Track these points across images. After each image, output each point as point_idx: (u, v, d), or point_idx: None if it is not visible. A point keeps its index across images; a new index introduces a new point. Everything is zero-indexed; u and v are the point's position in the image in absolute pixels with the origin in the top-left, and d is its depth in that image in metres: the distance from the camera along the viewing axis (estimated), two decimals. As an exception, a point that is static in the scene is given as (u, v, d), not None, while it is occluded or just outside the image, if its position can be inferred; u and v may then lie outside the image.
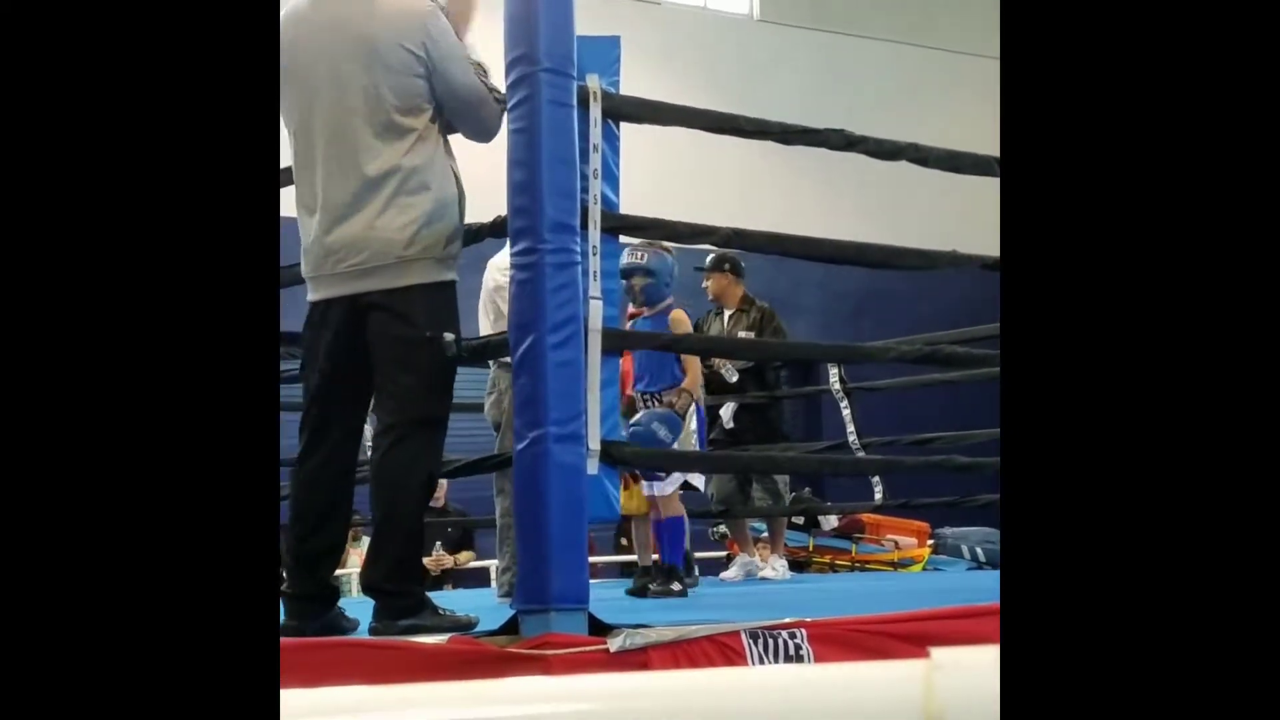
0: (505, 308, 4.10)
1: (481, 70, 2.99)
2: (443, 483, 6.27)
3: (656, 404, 4.53)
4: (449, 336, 2.86)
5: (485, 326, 4.45)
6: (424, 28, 2.87)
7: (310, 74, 2.86)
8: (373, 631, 2.81)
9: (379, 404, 2.94)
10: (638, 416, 4.25)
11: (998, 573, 1.28)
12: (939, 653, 1.02)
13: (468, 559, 8.03)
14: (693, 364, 4.67)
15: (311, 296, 2.97)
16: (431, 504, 3.36)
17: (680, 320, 4.66)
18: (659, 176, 8.77)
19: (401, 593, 2.84)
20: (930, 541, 8.53)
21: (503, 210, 2.86)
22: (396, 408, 2.87)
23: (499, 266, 4.32)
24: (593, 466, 2.72)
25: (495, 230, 3.06)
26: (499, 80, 2.90)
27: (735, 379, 5.74)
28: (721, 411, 5.84)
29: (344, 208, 2.85)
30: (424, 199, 2.86)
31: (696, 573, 5.39)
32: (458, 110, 2.96)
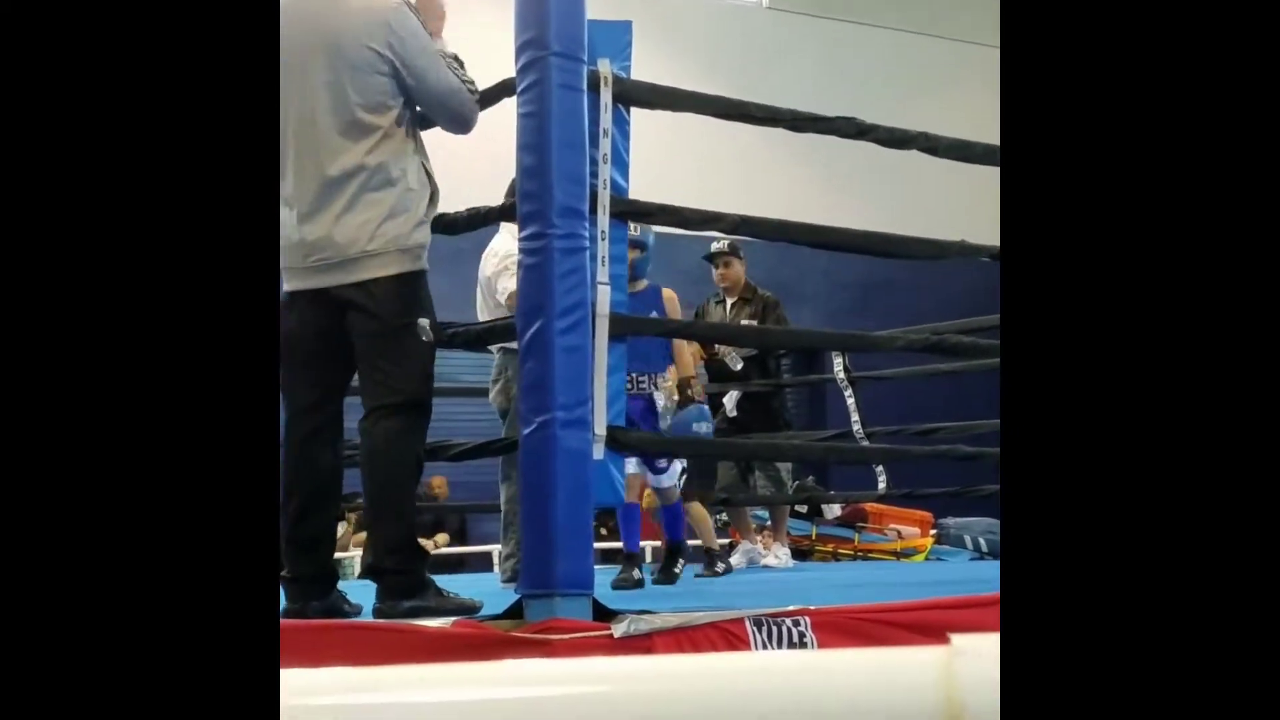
0: (500, 296, 4.12)
1: (455, 63, 3.00)
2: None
3: (668, 387, 4.55)
4: (423, 322, 2.89)
5: (483, 313, 4.43)
6: (388, 25, 2.88)
7: (280, 70, 2.86)
8: (377, 613, 2.81)
9: (362, 390, 2.97)
10: (672, 423, 4.30)
11: (1001, 563, 1.28)
12: (959, 639, 1.02)
13: (444, 541, 8.11)
14: (683, 349, 4.67)
15: (287, 286, 3.00)
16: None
17: (673, 298, 4.66)
18: (662, 163, 8.75)
19: (402, 571, 2.85)
20: (933, 531, 8.52)
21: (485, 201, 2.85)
22: (380, 393, 2.91)
23: (494, 253, 4.31)
24: (598, 452, 2.72)
25: (503, 214, 3.05)
26: (485, 67, 2.90)
27: (740, 367, 5.73)
28: (725, 400, 5.83)
29: (310, 204, 2.88)
30: (389, 194, 2.87)
31: (721, 564, 5.37)
32: (431, 105, 2.98)
